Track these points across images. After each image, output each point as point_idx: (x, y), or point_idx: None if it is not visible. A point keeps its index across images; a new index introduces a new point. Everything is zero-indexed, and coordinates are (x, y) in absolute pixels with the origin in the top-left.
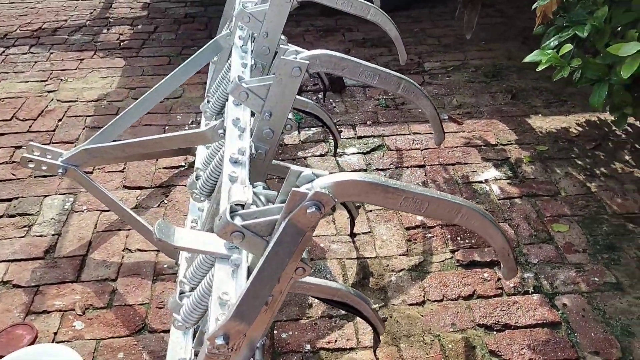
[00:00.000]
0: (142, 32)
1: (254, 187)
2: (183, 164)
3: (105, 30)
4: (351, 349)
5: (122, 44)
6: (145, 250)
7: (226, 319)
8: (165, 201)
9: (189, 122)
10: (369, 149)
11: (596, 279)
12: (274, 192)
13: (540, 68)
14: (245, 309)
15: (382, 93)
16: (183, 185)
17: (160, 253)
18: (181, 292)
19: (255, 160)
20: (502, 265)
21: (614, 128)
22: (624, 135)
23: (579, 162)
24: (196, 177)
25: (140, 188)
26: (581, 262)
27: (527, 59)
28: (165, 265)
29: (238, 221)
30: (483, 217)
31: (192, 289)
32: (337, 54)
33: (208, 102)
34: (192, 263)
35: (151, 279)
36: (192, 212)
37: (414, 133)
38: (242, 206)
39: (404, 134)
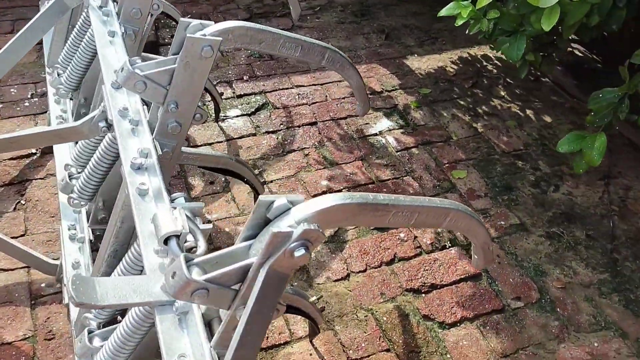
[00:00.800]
0: None
1: (172, 203)
2: (35, 151)
3: None
4: (286, 343)
5: None
6: (12, 269)
7: None
8: (23, 202)
9: (28, 96)
10: (253, 109)
11: (502, 222)
12: (199, 203)
13: (459, 23)
14: None
15: None
16: (40, 178)
17: (33, 269)
18: (90, 332)
19: (161, 161)
20: (476, 257)
21: (485, 64)
22: (495, 71)
23: (462, 103)
24: (69, 176)
25: None
26: (486, 207)
27: (443, 12)
28: (43, 284)
29: (197, 275)
30: (471, 217)
31: (103, 325)
32: (255, 25)
33: (59, 75)
34: None
35: (29, 304)
36: (66, 217)
37: (297, 86)
38: (178, 236)
39: (287, 88)
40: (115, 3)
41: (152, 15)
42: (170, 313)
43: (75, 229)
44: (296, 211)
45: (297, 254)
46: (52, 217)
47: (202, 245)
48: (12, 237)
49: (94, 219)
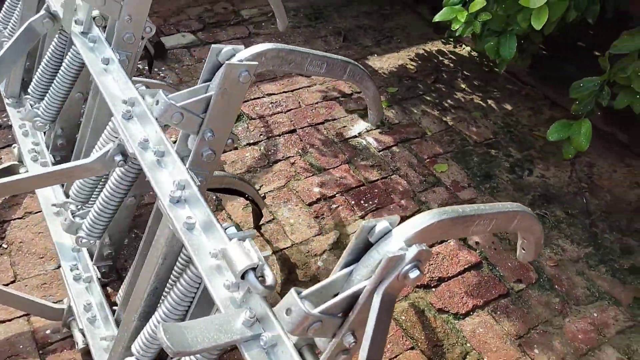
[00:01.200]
0: None
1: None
2: None
3: None
4: None
5: None
6: (10, 320)
7: None
8: (5, 245)
9: None
10: None
11: None
12: (252, 231)
13: (456, 26)
14: None
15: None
16: (19, 218)
17: (33, 317)
18: None
19: None
20: (524, 251)
21: (441, 58)
22: (452, 65)
23: (428, 98)
24: (72, 214)
25: None
26: (472, 197)
27: (438, 17)
28: (48, 331)
29: (310, 307)
30: (531, 217)
31: None
32: (285, 46)
33: (32, 106)
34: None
35: (37, 355)
36: (64, 257)
37: (268, 94)
38: (254, 269)
39: (259, 97)
40: (100, 28)
41: (143, 38)
42: (257, 348)
43: (78, 269)
44: (398, 232)
45: (412, 275)
46: (41, 258)
47: (269, 274)
48: (3, 285)
49: (100, 256)
